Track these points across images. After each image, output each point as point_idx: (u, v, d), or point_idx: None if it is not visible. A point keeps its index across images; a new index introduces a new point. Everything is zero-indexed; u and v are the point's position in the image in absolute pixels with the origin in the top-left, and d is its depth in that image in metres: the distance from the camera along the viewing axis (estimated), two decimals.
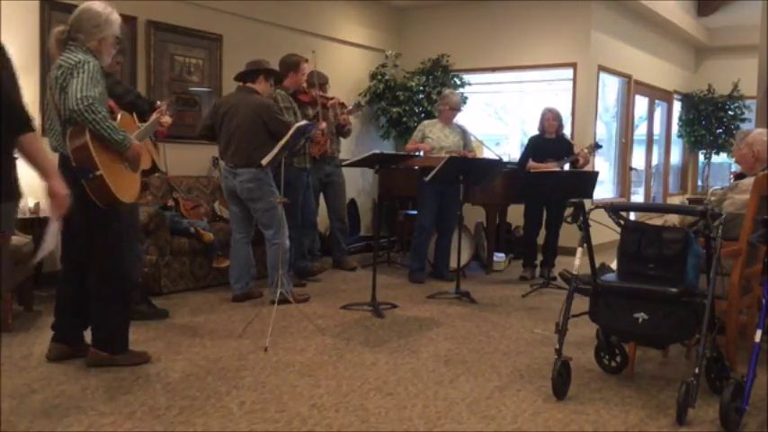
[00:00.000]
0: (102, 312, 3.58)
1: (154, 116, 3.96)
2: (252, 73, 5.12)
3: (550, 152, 6.34)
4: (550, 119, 6.40)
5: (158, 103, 4.09)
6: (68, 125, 3.35)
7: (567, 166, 6.30)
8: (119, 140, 3.34)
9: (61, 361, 3.62)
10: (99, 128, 3.26)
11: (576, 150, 6.40)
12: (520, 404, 3.22)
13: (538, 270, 6.56)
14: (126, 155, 3.44)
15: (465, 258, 6.42)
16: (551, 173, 6.10)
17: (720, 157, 11.24)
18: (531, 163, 6.35)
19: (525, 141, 6.94)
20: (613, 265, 3.74)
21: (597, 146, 6.44)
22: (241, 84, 5.21)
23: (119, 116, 3.58)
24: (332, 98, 6.30)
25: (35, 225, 4.90)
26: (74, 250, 3.63)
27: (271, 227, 5.03)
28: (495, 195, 6.64)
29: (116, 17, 3.53)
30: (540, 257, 6.54)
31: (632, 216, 4.56)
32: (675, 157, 11.60)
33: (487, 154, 7.01)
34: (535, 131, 6.61)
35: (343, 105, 6.44)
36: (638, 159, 10.06)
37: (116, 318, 3.62)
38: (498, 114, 9.43)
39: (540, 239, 6.51)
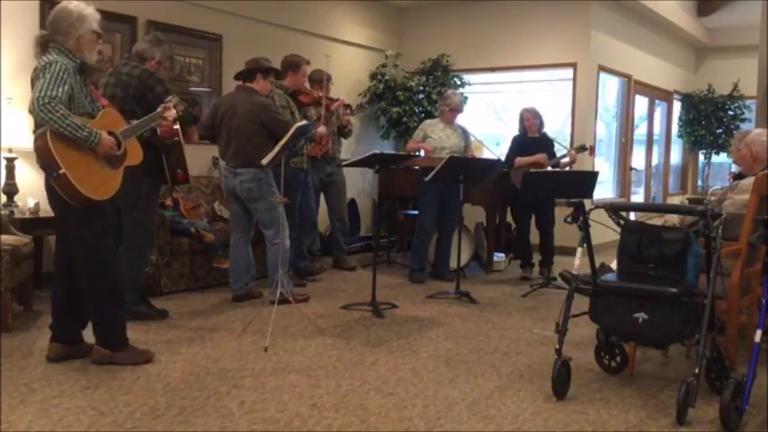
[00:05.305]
0: (96, 310, 3.63)
1: (158, 109, 3.88)
2: (249, 72, 5.12)
3: (536, 151, 6.36)
4: (530, 119, 6.44)
5: (168, 97, 4.04)
6: (39, 127, 3.35)
7: (550, 168, 6.31)
8: (83, 138, 3.30)
9: (61, 361, 3.62)
10: (58, 126, 3.23)
11: (564, 151, 6.42)
12: (520, 404, 3.22)
13: (536, 269, 6.56)
14: (96, 151, 3.41)
15: (465, 258, 6.42)
16: (551, 173, 6.10)
17: (720, 157, 11.24)
18: (518, 159, 6.37)
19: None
20: (613, 265, 3.74)
21: (583, 148, 6.45)
22: (240, 83, 5.21)
23: (100, 112, 3.52)
24: (337, 100, 6.28)
25: (35, 225, 4.89)
26: (65, 249, 3.63)
27: (271, 227, 5.03)
28: (495, 195, 6.65)
29: (90, 12, 3.49)
30: (538, 257, 6.54)
31: (632, 216, 4.57)
32: (675, 157, 11.60)
33: (488, 154, 7.00)
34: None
35: (347, 107, 6.43)
36: (638, 159, 10.05)
37: (110, 316, 3.64)
38: (498, 114, 9.43)
39: (534, 239, 6.52)
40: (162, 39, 4.64)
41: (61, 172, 3.27)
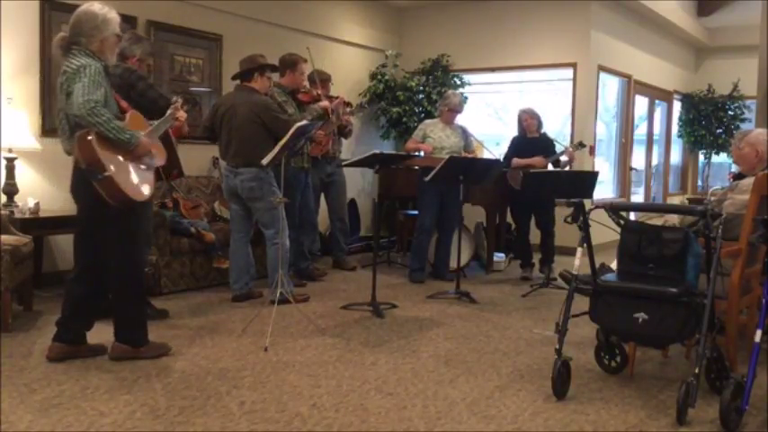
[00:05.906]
0: (122, 309, 3.67)
1: (169, 111, 3.93)
2: (246, 72, 5.12)
3: (535, 151, 6.37)
4: (528, 119, 6.44)
5: (174, 98, 4.08)
6: (77, 129, 3.37)
7: (550, 166, 6.32)
8: (125, 140, 3.36)
9: (61, 361, 3.62)
10: (104, 129, 3.28)
11: (561, 149, 6.42)
12: (520, 404, 3.22)
13: (536, 269, 6.56)
14: (135, 153, 3.46)
15: (465, 258, 6.42)
16: (551, 173, 6.11)
17: (720, 157, 11.24)
18: (515, 160, 6.38)
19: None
20: (613, 265, 3.74)
21: (581, 145, 6.47)
22: (239, 83, 5.21)
23: (128, 115, 3.58)
24: (336, 97, 6.28)
25: (35, 225, 4.89)
26: (89, 250, 3.64)
27: (272, 226, 5.03)
28: (495, 195, 6.64)
29: (113, 16, 3.54)
30: (538, 257, 6.54)
31: (632, 216, 4.57)
32: (675, 157, 11.60)
33: (487, 155, 7.00)
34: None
35: (347, 105, 6.42)
36: (638, 159, 10.06)
37: (135, 313, 3.71)
38: (498, 114, 9.43)
39: (535, 239, 6.52)
40: (141, 36, 4.64)
41: (107, 174, 3.31)
